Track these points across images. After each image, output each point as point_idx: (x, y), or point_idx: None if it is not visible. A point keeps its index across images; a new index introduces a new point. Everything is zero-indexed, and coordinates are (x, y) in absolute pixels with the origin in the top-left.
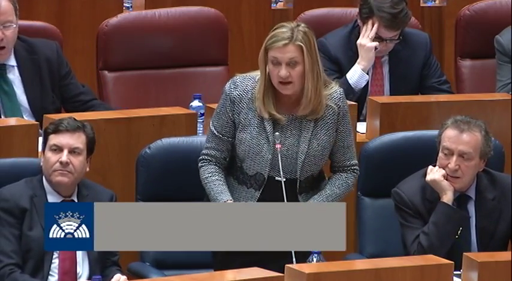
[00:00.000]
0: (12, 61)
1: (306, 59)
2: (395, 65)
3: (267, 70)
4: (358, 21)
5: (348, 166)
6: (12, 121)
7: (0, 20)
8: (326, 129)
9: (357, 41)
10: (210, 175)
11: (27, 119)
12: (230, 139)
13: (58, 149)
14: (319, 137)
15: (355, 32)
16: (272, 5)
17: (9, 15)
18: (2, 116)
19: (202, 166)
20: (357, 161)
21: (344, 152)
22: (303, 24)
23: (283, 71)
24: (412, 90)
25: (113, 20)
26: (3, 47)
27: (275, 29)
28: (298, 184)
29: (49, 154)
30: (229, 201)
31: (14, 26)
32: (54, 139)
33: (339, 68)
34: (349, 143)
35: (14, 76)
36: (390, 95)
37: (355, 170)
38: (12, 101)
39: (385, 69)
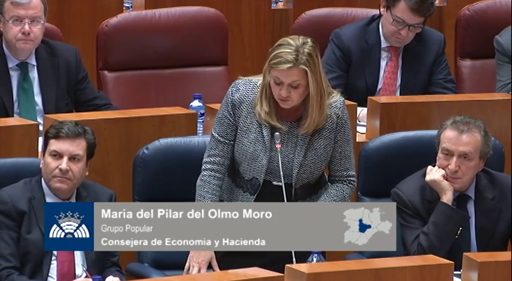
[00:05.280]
0: (33, 60)
1: (311, 81)
2: (408, 59)
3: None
4: (382, 9)
5: (344, 176)
6: (12, 121)
7: (29, 14)
8: (323, 138)
9: (371, 39)
10: (210, 195)
11: (40, 119)
12: (232, 142)
13: (58, 155)
14: (316, 146)
15: (373, 25)
16: (272, 5)
17: (38, 11)
18: (15, 115)
19: (204, 179)
20: (354, 173)
21: (341, 162)
22: (309, 42)
23: (284, 92)
24: (422, 86)
25: (113, 20)
26: (29, 40)
27: (280, 44)
28: (293, 191)
29: (49, 159)
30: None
31: (42, 22)
32: (54, 145)
33: (349, 59)
34: (347, 153)
35: (33, 76)
36: (401, 88)
37: (352, 182)
38: (29, 99)
39: (399, 63)
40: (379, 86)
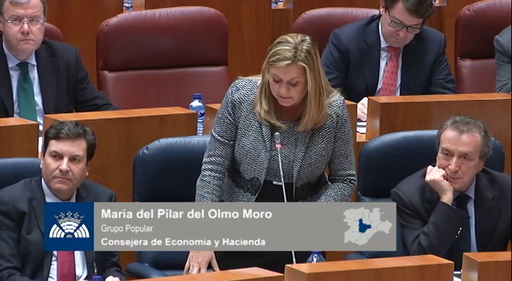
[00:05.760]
0: (33, 60)
1: (309, 78)
2: (408, 59)
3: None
4: (381, 9)
5: (345, 175)
6: (12, 121)
7: (27, 13)
8: (323, 137)
9: (371, 39)
10: (210, 195)
11: (40, 119)
12: (232, 142)
13: (58, 156)
14: (316, 145)
15: (373, 25)
16: (272, 5)
17: (37, 11)
18: (15, 115)
19: (204, 179)
20: (355, 172)
21: (341, 161)
22: (308, 40)
23: (283, 89)
24: (422, 86)
25: (113, 20)
26: (30, 40)
27: (279, 42)
28: (294, 191)
29: (49, 160)
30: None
31: (41, 21)
32: (54, 145)
33: (347, 59)
34: (347, 152)
35: (33, 76)
36: (401, 88)
37: (352, 181)
38: (29, 99)
39: (399, 63)
40: (379, 86)
